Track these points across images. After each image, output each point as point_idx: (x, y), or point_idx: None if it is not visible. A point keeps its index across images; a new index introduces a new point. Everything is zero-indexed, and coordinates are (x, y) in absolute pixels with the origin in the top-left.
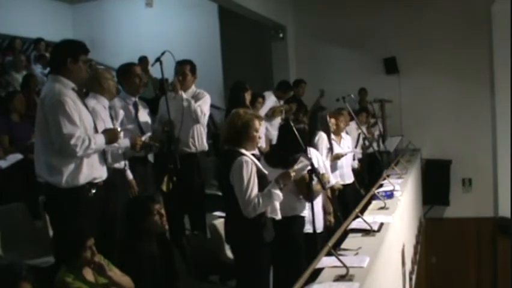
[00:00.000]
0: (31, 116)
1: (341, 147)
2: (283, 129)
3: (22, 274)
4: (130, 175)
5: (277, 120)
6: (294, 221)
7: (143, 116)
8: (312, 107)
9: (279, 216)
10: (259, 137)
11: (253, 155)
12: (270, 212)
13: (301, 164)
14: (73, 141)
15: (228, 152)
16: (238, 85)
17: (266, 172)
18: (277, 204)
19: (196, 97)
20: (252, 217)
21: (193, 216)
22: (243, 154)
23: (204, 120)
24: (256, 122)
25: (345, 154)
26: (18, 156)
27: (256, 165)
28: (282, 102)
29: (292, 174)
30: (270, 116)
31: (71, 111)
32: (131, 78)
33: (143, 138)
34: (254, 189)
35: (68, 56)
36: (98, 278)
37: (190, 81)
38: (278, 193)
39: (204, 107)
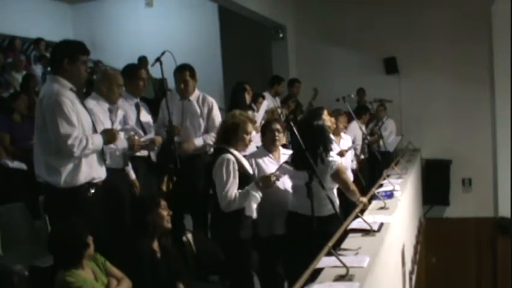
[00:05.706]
0: (32, 117)
1: (340, 147)
2: (300, 129)
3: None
4: (132, 175)
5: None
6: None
7: (145, 116)
8: (307, 106)
9: (254, 216)
10: (250, 140)
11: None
12: (247, 211)
13: (282, 170)
14: (70, 142)
15: (216, 149)
16: (239, 86)
17: (251, 172)
18: (253, 205)
19: (202, 102)
20: (227, 212)
21: (197, 217)
22: (229, 152)
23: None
24: (249, 125)
25: (348, 150)
26: (22, 166)
27: (240, 164)
28: (278, 100)
29: (273, 178)
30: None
31: (69, 112)
32: (136, 80)
33: (143, 139)
34: (232, 186)
35: (65, 57)
36: (98, 277)
37: (192, 87)
38: (256, 195)
39: (217, 119)
